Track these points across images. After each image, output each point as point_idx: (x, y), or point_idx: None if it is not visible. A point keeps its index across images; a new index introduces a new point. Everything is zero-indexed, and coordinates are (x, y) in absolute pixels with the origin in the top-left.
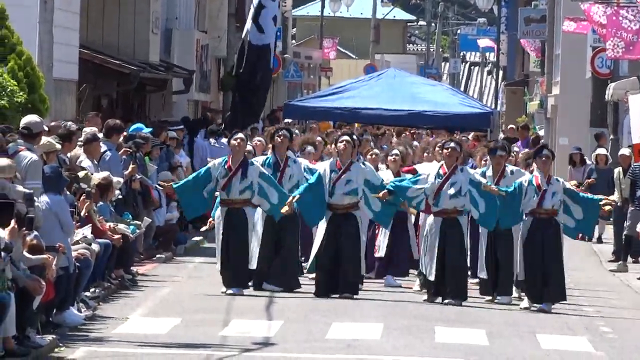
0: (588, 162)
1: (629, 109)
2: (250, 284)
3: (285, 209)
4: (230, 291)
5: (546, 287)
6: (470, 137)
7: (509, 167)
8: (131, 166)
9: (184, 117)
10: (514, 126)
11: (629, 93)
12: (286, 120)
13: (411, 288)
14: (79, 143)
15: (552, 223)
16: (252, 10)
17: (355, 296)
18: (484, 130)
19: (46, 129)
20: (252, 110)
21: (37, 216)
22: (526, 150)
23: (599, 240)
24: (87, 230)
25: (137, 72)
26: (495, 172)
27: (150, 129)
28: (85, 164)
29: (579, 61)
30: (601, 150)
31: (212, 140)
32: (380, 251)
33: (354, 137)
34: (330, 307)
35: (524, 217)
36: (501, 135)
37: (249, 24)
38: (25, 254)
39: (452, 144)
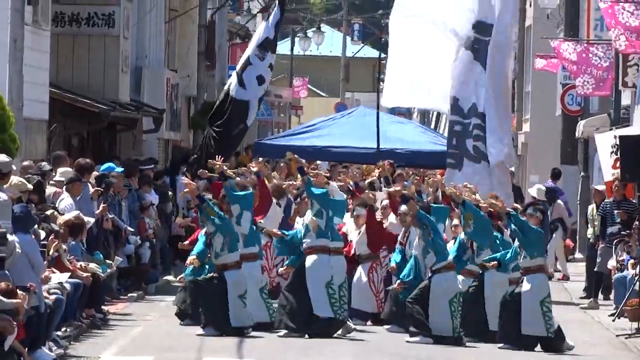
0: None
1: (597, 147)
2: None
3: None
4: None
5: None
6: (439, 174)
7: None
8: (102, 205)
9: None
10: None
11: (598, 131)
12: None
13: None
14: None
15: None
16: (240, 63)
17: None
18: None
19: (14, 168)
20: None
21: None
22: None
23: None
24: (63, 277)
25: (107, 111)
26: None
27: (121, 169)
28: (67, 202)
29: (549, 98)
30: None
31: None
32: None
33: None
34: (302, 345)
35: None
36: None
37: (234, 76)
38: (1, 297)
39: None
